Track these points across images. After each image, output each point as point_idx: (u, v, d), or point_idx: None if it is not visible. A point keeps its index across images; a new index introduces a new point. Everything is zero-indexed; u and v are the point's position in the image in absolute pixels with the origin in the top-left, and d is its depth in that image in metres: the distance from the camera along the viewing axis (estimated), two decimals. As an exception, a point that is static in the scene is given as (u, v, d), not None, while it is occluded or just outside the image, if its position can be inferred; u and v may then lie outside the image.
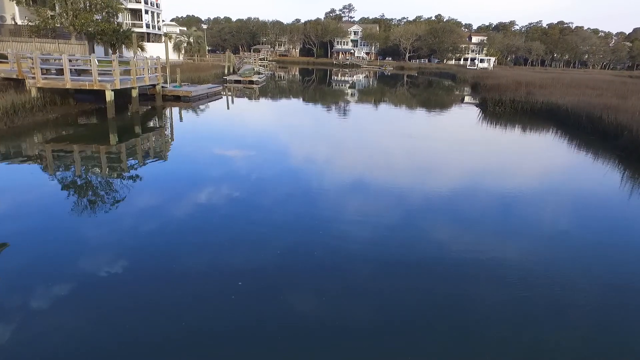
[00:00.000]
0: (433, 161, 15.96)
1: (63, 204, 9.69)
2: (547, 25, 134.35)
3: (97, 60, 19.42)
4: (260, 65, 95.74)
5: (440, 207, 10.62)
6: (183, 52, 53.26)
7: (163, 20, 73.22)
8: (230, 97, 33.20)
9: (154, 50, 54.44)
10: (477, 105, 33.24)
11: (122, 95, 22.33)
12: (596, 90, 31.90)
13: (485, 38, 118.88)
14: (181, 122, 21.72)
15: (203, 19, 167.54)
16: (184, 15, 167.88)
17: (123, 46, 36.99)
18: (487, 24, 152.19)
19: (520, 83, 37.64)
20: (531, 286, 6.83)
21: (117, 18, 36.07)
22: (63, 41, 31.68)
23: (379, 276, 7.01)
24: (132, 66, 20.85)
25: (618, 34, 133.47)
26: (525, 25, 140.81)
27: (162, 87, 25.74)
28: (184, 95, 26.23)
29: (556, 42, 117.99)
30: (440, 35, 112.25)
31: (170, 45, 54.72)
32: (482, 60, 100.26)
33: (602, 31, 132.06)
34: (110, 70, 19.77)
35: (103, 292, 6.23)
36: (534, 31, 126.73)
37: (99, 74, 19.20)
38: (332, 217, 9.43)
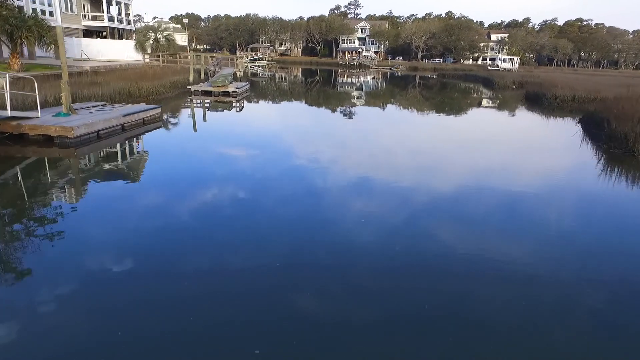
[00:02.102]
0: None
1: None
2: (564, 22, 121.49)
3: None
4: (257, 66, 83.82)
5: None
6: (149, 51, 40.12)
7: (141, 16, 60.50)
8: (174, 122, 20.07)
9: (108, 49, 41.32)
10: (587, 135, 19.85)
11: None
12: None
13: (506, 36, 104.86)
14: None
15: (203, 17, 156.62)
16: (183, 13, 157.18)
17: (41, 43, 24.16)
18: (499, 21, 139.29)
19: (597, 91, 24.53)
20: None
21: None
22: None
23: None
24: None
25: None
26: (540, 23, 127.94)
27: (17, 117, 12.74)
28: (58, 134, 13.05)
29: (585, 40, 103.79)
30: (456, 33, 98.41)
31: (132, 43, 41.60)
32: (504, 60, 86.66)
33: (618, 28, 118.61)
34: None
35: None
36: (549, 29, 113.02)
37: None
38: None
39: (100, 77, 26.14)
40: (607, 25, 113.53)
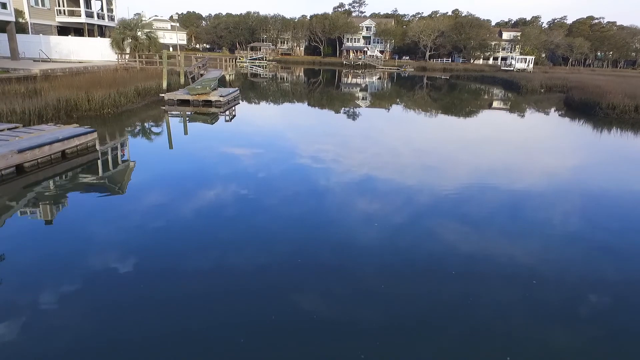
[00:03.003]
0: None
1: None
2: (573, 21, 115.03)
3: None
4: (257, 66, 78.03)
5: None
6: (128, 50, 34.31)
7: (140, 14, 54.73)
8: (122, 149, 14.28)
9: (81, 49, 35.56)
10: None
11: None
12: None
13: (518, 34, 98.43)
14: None
15: (204, 16, 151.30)
16: (184, 12, 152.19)
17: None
18: (506, 20, 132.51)
19: None
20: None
21: None
22: None
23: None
24: None
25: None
26: (549, 22, 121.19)
27: None
28: None
29: (601, 38, 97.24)
30: (467, 31, 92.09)
31: (108, 41, 35.81)
32: (518, 60, 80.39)
33: (636, 27, 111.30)
34: None
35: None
36: (558, 27, 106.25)
37: None
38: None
39: (49, 83, 20.43)
40: (618, 23, 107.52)
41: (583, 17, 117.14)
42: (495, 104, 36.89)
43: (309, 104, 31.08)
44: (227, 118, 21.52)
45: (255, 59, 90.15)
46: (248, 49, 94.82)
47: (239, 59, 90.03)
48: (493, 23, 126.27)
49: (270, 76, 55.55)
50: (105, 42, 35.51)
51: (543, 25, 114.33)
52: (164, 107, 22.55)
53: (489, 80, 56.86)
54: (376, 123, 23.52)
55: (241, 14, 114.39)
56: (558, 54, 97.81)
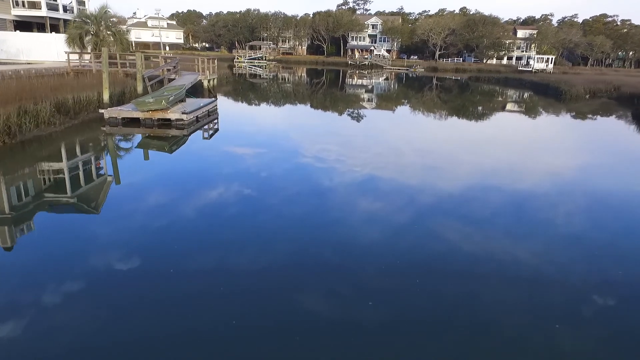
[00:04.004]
0: None
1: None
2: (586, 18, 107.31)
3: None
4: (257, 66, 71.14)
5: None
6: (89, 49, 27.42)
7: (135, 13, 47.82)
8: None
9: (32, 47, 28.72)
10: None
11: None
12: None
13: (534, 32, 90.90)
14: None
15: (205, 14, 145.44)
16: (185, 10, 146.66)
17: None
18: (514, 18, 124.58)
19: None
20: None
21: None
22: None
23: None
24: None
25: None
26: (558, 20, 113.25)
27: None
28: None
29: (624, 37, 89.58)
30: (480, 29, 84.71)
31: (63, 37, 28.88)
32: (537, 60, 73.03)
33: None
34: None
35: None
36: (568, 26, 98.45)
37: None
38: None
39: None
40: (634, 22, 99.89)
41: (596, 15, 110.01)
42: (545, 119, 28.56)
43: (312, 115, 24.11)
44: (196, 144, 14.76)
45: (254, 59, 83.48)
46: (247, 48, 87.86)
47: (237, 58, 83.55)
48: (502, 22, 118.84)
49: (271, 77, 50.90)
50: (60, 38, 28.61)
51: (553, 24, 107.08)
52: (104, 128, 15.75)
53: (514, 83, 49.44)
54: (413, 143, 16.60)
55: (240, 11, 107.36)
56: (577, 53, 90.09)
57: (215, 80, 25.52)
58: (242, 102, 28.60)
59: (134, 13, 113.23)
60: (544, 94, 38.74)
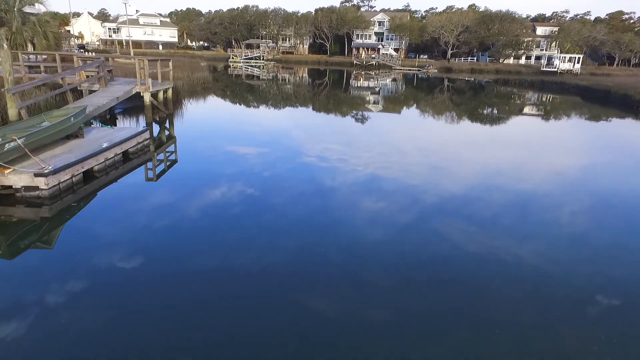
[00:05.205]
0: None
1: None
2: (606, 15, 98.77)
3: None
4: (253, 67, 63.23)
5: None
6: (5, 46, 19.72)
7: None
8: None
9: None
10: None
11: None
12: None
13: (555, 29, 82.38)
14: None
15: (204, 12, 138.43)
16: (184, 9, 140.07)
17: None
18: (524, 15, 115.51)
19: None
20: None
21: None
22: None
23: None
24: None
25: None
26: (571, 17, 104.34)
27: None
28: None
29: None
30: (497, 26, 76.33)
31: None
32: (562, 59, 64.71)
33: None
34: None
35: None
36: (582, 24, 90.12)
37: None
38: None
39: None
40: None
41: (612, 12, 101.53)
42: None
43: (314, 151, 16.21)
44: (66, 245, 6.99)
45: (251, 59, 75.61)
46: (243, 46, 80.00)
47: (232, 58, 75.78)
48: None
49: (270, 78, 46.51)
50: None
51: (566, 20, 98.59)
52: None
53: (553, 88, 40.94)
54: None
55: (238, 8, 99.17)
56: (602, 52, 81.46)
57: (170, 92, 17.55)
58: (220, 116, 20.76)
59: (125, 4, 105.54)
60: (601, 103, 30.35)
